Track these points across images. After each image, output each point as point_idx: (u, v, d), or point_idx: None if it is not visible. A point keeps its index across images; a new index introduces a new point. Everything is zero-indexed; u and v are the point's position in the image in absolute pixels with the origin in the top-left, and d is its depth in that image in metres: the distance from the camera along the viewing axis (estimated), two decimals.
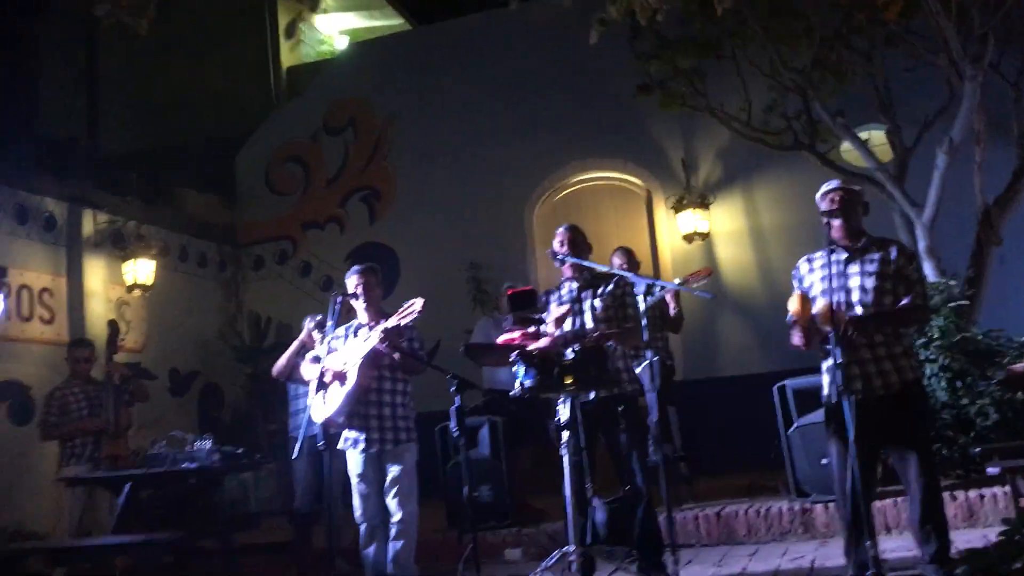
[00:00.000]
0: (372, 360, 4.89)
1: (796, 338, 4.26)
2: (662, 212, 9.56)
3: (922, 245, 6.99)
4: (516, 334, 4.54)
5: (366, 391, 4.91)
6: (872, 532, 4.22)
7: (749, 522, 5.89)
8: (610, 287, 4.77)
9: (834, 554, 5.10)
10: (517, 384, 4.42)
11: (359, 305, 5.10)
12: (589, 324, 4.69)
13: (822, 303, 4.13)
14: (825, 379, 4.34)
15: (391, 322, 4.74)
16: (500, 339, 4.82)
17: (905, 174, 7.58)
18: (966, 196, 7.24)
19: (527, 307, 4.67)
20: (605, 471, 4.78)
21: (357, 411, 4.92)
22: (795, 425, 5.88)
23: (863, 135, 8.95)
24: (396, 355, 4.84)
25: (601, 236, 9.99)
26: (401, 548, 4.90)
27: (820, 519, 5.76)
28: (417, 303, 4.66)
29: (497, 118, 10.01)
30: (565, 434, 4.37)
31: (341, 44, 12.98)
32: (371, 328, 5.04)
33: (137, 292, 8.83)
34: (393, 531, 4.91)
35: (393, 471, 4.93)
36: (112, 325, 6.83)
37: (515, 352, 4.41)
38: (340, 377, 4.88)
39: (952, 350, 6.15)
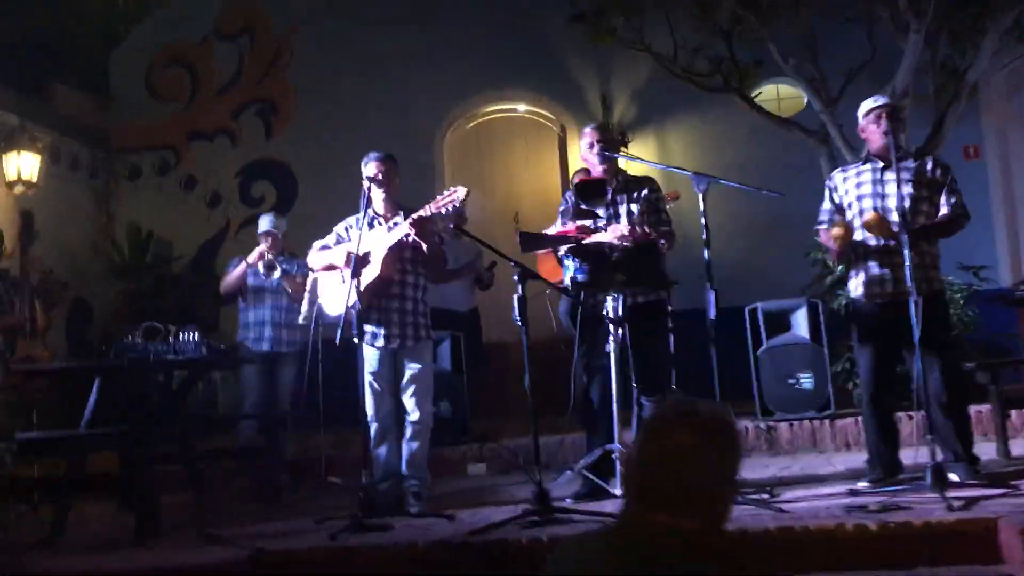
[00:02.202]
0: (398, 251, 4.61)
1: (832, 256, 4.47)
2: (576, 148, 9.54)
3: None
4: (571, 226, 4.39)
5: (388, 283, 4.62)
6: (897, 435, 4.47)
7: None
8: (645, 191, 4.72)
9: (794, 465, 5.38)
10: (567, 278, 4.31)
11: (378, 194, 4.77)
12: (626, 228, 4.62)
13: (871, 212, 4.27)
14: (854, 285, 4.51)
15: (427, 210, 4.47)
16: (552, 230, 4.64)
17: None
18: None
19: (596, 198, 4.53)
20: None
21: (377, 304, 4.63)
22: (764, 347, 6.09)
23: (774, 87, 9.39)
24: (425, 247, 4.57)
25: (512, 171, 10.02)
26: (417, 448, 4.68)
27: (784, 436, 6.00)
28: (460, 191, 4.40)
29: (409, 38, 9.63)
30: (613, 330, 4.32)
31: None
32: (386, 219, 4.75)
33: (20, 188, 7.89)
34: (409, 431, 4.68)
35: (412, 368, 4.68)
36: (26, 216, 6.10)
37: (567, 246, 4.29)
38: (355, 268, 4.55)
39: None
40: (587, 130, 4.86)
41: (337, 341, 4.53)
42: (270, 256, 6.05)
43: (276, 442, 5.63)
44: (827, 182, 4.72)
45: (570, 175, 9.59)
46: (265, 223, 6.23)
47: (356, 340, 4.55)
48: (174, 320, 5.17)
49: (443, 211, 4.44)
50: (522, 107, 9.81)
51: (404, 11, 9.64)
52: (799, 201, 7.95)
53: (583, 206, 4.68)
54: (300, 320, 6.13)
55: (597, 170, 4.75)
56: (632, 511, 1.80)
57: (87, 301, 9.33)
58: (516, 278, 4.11)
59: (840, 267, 6.81)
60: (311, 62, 9.82)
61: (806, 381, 5.97)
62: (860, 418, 5.79)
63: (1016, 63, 8.96)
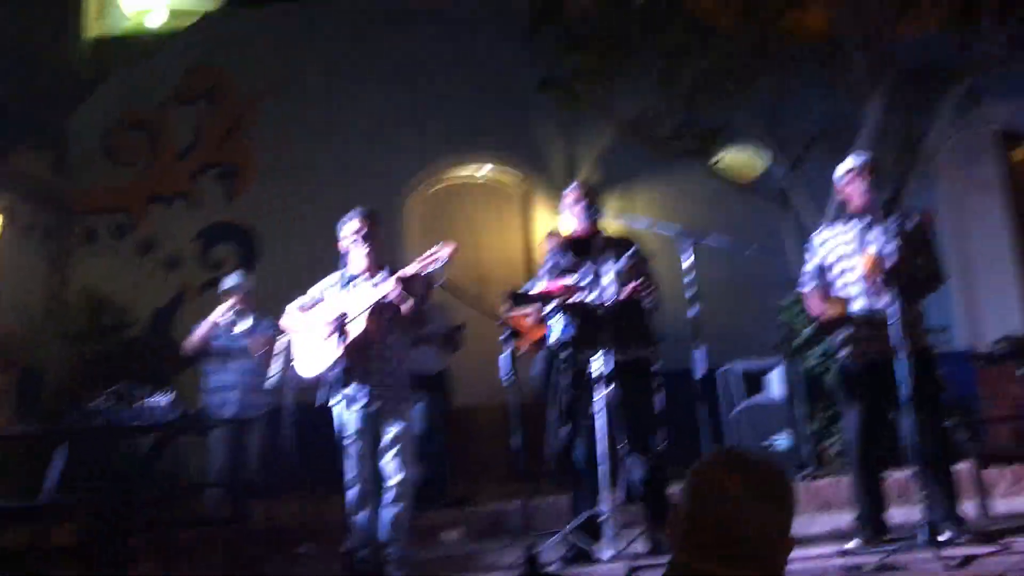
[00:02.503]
0: (382, 309, 4.54)
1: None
2: (540, 213, 9.61)
3: None
4: (557, 284, 4.37)
5: (371, 343, 4.54)
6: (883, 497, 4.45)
7: None
8: (629, 251, 4.72)
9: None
10: (553, 336, 4.27)
11: (361, 251, 4.70)
12: (608, 289, 4.61)
13: (868, 259, 4.27)
14: (841, 344, 4.54)
15: (412, 268, 4.42)
16: (536, 288, 4.61)
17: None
18: None
19: (585, 254, 4.52)
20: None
21: (358, 364, 4.54)
22: (738, 407, 6.08)
23: (732, 154, 9.57)
24: (409, 306, 4.50)
25: (476, 236, 10.02)
26: (401, 512, 4.53)
27: None
28: (446, 250, 4.37)
29: (374, 103, 9.66)
30: (600, 390, 4.28)
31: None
32: (369, 278, 4.69)
33: None
34: (391, 495, 4.53)
35: (395, 429, 4.55)
36: None
37: (555, 303, 4.26)
38: (338, 328, 4.47)
39: None
40: (571, 188, 4.87)
41: (318, 404, 4.41)
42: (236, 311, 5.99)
43: (245, 510, 5.43)
44: (811, 241, 4.76)
45: (535, 239, 9.63)
46: (231, 279, 6.15)
47: (332, 403, 4.45)
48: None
49: (429, 269, 4.39)
50: (486, 171, 9.85)
51: (370, 76, 9.70)
52: (764, 263, 8.15)
53: (567, 263, 4.67)
54: (266, 384, 6.02)
55: (579, 228, 4.74)
56: (680, 562, 1.74)
57: (38, 367, 9.03)
58: (503, 337, 4.05)
59: (808, 329, 6.90)
60: (274, 126, 9.77)
61: (782, 441, 5.95)
62: (837, 478, 5.82)
63: (969, 132, 9.26)
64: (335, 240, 9.02)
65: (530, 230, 9.66)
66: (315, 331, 4.62)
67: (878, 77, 7.32)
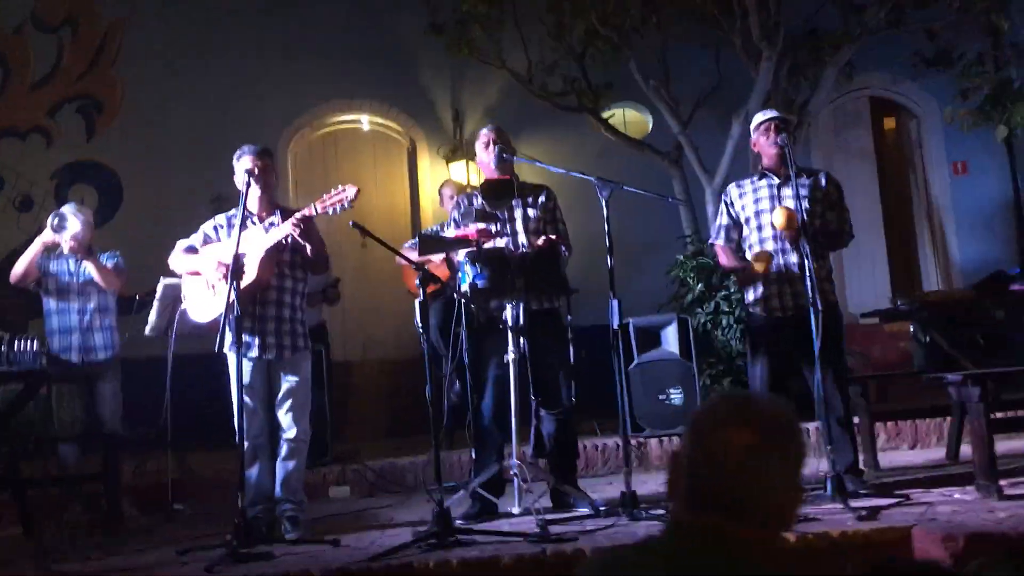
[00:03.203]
0: (276, 253, 4.24)
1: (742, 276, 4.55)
2: (426, 163, 9.35)
3: (710, 209, 7.54)
4: (471, 229, 4.16)
5: (265, 289, 4.24)
6: None
7: (587, 457, 5.94)
8: (542, 198, 4.57)
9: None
10: (465, 285, 4.09)
11: (253, 191, 4.37)
12: (521, 235, 4.46)
13: (783, 213, 4.26)
14: (751, 298, 4.52)
15: (312, 209, 4.13)
16: (451, 232, 4.38)
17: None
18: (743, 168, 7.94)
19: (503, 199, 4.32)
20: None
21: (252, 312, 4.22)
22: (635, 362, 6.06)
23: (619, 111, 9.54)
24: (309, 249, 4.22)
25: (359, 184, 9.55)
26: (293, 469, 4.28)
27: (655, 452, 5.97)
28: (350, 190, 4.10)
29: (255, 35, 9.12)
30: (511, 340, 4.13)
31: None
32: (261, 219, 4.37)
33: None
34: (285, 449, 4.27)
35: (289, 381, 4.28)
36: None
37: (467, 250, 4.07)
38: (233, 271, 4.13)
39: None
40: (484, 130, 4.68)
41: (217, 351, 4.08)
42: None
43: (112, 466, 5.00)
44: (723, 197, 4.73)
45: (421, 190, 9.37)
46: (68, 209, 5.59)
47: (224, 351, 4.14)
48: None
49: (330, 211, 4.12)
50: (371, 118, 9.48)
51: (247, 7, 9.13)
52: (652, 221, 8.17)
53: (478, 209, 4.48)
54: (147, 331, 5.59)
55: (492, 172, 4.55)
56: (681, 518, 1.60)
57: None
58: (418, 282, 3.84)
59: (700, 285, 6.94)
60: (143, 55, 9.07)
61: (676, 397, 5.97)
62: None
63: (842, 99, 9.52)
64: (206, 183, 8.64)
65: (416, 180, 9.39)
66: (207, 273, 4.29)
67: (770, 40, 7.38)
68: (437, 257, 4.93)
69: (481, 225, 4.17)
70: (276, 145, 9.08)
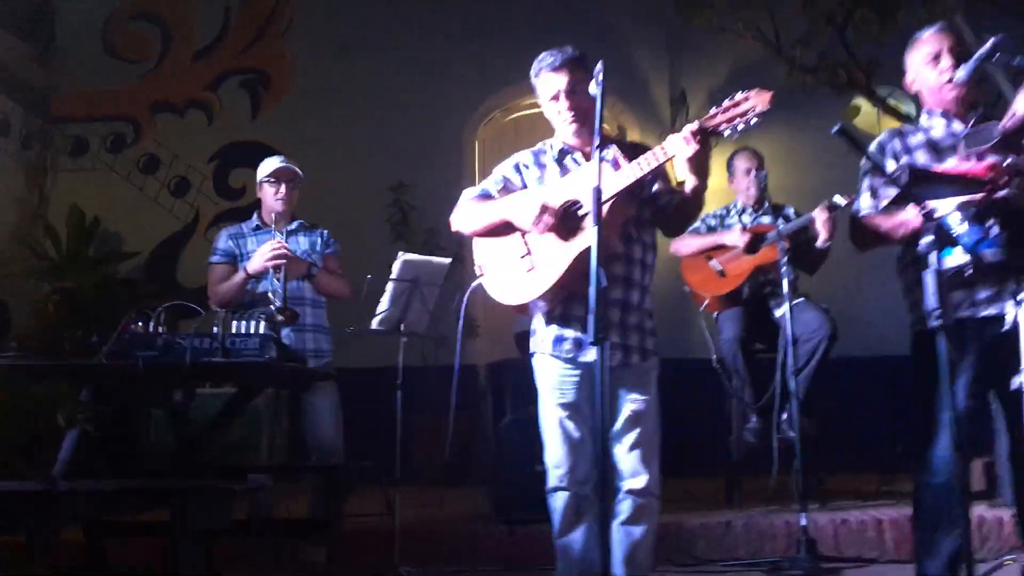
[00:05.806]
0: (629, 199, 2.82)
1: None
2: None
3: None
4: (981, 165, 2.60)
5: (609, 257, 2.79)
6: None
7: None
8: None
9: None
10: (950, 261, 2.56)
11: (565, 117, 2.97)
12: None
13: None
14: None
15: (715, 119, 2.68)
16: (943, 167, 2.80)
17: None
18: None
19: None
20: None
21: (583, 292, 2.77)
22: None
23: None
24: (696, 185, 2.75)
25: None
26: (641, 538, 2.80)
27: None
28: (765, 95, 2.64)
29: (440, 13, 7.90)
30: None
31: None
32: (585, 154, 2.98)
33: None
34: (629, 507, 2.80)
35: (635, 401, 2.80)
36: None
37: (963, 199, 2.55)
38: (596, 212, 2.61)
39: None
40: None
41: (530, 351, 2.70)
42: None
43: (336, 511, 3.66)
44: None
45: None
46: (273, 163, 4.35)
47: (539, 352, 2.75)
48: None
49: (726, 131, 2.68)
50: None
51: None
52: None
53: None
54: (375, 324, 4.26)
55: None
56: None
57: (4, 302, 7.15)
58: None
59: None
60: (316, 29, 7.96)
61: None
62: None
63: None
64: (384, 172, 7.42)
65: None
66: (523, 225, 2.85)
67: None
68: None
69: (993, 158, 2.60)
70: (461, 132, 7.90)
